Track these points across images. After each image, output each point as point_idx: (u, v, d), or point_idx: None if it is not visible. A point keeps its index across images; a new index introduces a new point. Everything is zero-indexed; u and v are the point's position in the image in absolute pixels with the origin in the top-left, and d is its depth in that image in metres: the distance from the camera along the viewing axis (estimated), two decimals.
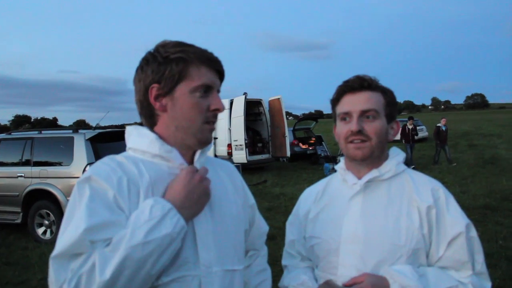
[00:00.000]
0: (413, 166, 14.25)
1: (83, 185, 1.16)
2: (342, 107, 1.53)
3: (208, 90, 1.27)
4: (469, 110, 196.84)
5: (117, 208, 1.14)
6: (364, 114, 1.48)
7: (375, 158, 1.51)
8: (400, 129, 13.86)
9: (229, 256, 1.31)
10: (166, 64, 1.24)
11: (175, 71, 1.24)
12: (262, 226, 1.64)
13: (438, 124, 17.51)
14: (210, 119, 1.29)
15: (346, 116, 1.51)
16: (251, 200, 1.57)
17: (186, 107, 1.25)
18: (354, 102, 1.49)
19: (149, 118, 1.31)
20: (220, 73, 1.33)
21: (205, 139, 1.30)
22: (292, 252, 1.74)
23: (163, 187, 1.23)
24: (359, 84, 1.50)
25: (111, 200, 1.14)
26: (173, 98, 1.25)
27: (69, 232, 1.08)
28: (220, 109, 1.28)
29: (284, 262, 1.77)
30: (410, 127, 16.90)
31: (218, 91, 1.33)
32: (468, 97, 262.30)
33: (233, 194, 1.44)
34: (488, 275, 1.44)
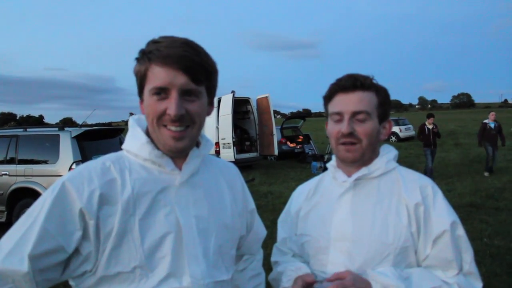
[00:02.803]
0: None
1: (51, 192, 1.13)
2: (334, 107, 1.50)
3: (164, 92, 1.15)
4: (455, 109, 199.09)
5: (77, 223, 1.11)
6: (355, 115, 1.46)
7: (366, 159, 1.50)
8: (418, 129, 12.56)
9: (217, 267, 1.28)
10: (134, 67, 1.22)
11: (135, 74, 1.21)
12: (260, 232, 1.62)
13: (485, 121, 13.73)
14: (166, 123, 1.18)
15: (337, 116, 1.49)
16: (251, 205, 1.54)
17: (146, 110, 1.21)
18: (346, 103, 1.47)
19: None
20: (188, 70, 1.15)
21: (169, 147, 1.20)
22: (284, 249, 1.73)
23: (149, 199, 1.20)
24: (351, 84, 1.46)
25: (73, 215, 1.11)
26: (144, 101, 1.22)
27: (10, 250, 1.08)
28: (170, 114, 1.14)
29: (274, 258, 1.75)
30: (430, 127, 12.87)
31: (188, 91, 1.17)
32: (454, 97, 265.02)
33: (229, 202, 1.40)
34: (478, 275, 1.42)
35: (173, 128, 1.18)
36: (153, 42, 1.18)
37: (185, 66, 1.14)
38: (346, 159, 1.49)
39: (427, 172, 12.31)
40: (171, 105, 1.15)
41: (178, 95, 1.16)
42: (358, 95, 1.46)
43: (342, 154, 1.50)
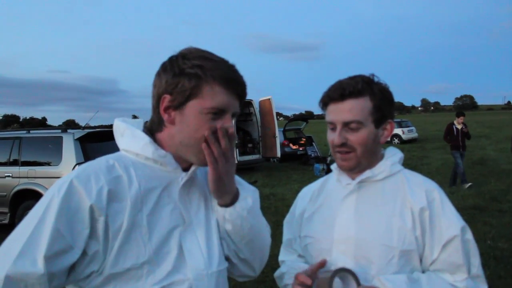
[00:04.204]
0: (470, 184, 11.23)
1: (58, 190, 1.11)
2: (327, 116, 1.50)
3: (220, 113, 1.20)
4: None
5: (86, 221, 1.10)
6: (347, 125, 1.44)
7: (364, 166, 1.49)
8: (445, 129, 11.87)
9: (220, 256, 1.31)
10: (180, 77, 1.17)
11: (187, 87, 1.17)
12: None
13: None
14: None
15: (331, 125, 1.49)
16: None
17: (193, 125, 1.19)
18: (337, 113, 1.46)
19: (156, 124, 1.27)
20: (242, 97, 1.25)
21: (206, 161, 1.23)
22: (290, 250, 1.74)
23: (156, 195, 1.21)
24: (339, 94, 1.44)
25: (83, 213, 1.10)
26: (183, 114, 1.20)
27: (20, 253, 1.05)
28: (230, 135, 1.22)
29: (281, 257, 1.77)
30: (459, 127, 11.61)
31: (234, 114, 1.24)
32: (457, 99, 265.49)
33: None
34: (484, 278, 1.42)
35: None
36: (205, 58, 1.19)
37: (242, 93, 1.25)
38: (342, 167, 1.51)
39: (460, 177, 11.57)
40: (228, 127, 1.21)
41: (231, 117, 1.24)
42: (348, 104, 1.44)
43: (338, 163, 1.51)
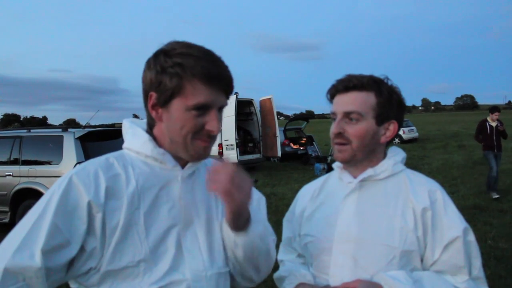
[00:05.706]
0: (498, 196, 9.59)
1: (58, 187, 1.14)
2: (332, 107, 1.52)
3: (205, 108, 1.19)
4: (458, 111, 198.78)
5: (84, 217, 1.12)
6: (347, 116, 1.45)
7: (359, 161, 1.49)
8: (479, 127, 10.19)
9: (222, 259, 1.31)
10: (162, 76, 1.17)
11: (169, 86, 1.16)
12: None
13: None
14: (202, 137, 1.21)
15: (333, 116, 1.50)
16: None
17: (179, 123, 1.19)
18: (339, 103, 1.48)
19: (149, 119, 1.28)
20: (228, 91, 1.24)
21: (197, 156, 1.24)
22: (289, 249, 1.74)
23: (153, 194, 1.22)
24: (344, 86, 1.47)
25: (81, 209, 1.12)
26: (169, 111, 1.20)
27: (19, 246, 1.07)
28: (213, 131, 1.20)
29: (280, 257, 1.76)
30: (494, 124, 9.95)
31: (221, 108, 1.24)
32: (458, 98, 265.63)
33: None
34: (485, 279, 1.42)
35: (206, 139, 1.23)
36: (186, 54, 1.16)
37: (227, 87, 1.22)
38: (336, 159, 1.52)
39: (490, 182, 10.03)
40: (213, 123, 1.20)
41: (218, 112, 1.22)
42: (351, 96, 1.46)
43: (335, 154, 1.52)
